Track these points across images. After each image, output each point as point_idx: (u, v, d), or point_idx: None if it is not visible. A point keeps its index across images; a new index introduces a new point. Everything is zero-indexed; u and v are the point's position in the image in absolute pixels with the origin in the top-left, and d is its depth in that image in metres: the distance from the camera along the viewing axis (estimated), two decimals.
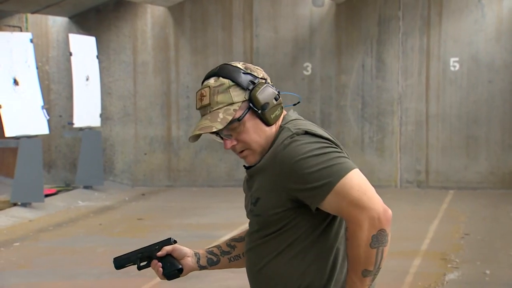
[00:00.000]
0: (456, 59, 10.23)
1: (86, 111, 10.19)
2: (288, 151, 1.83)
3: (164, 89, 11.13)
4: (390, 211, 1.80)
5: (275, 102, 1.90)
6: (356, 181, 1.79)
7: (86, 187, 10.36)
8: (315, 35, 10.52)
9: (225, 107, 1.87)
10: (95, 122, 10.48)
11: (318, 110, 10.64)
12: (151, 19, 11.11)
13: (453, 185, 10.28)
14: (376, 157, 10.49)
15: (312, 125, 1.93)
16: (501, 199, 9.50)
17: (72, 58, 9.95)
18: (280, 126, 1.92)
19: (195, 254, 2.15)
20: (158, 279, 5.89)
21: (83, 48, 10.25)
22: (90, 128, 10.40)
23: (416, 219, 8.17)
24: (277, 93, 1.91)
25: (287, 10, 10.71)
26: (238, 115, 1.88)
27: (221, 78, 1.89)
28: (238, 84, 1.88)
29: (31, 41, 9.18)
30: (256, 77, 1.90)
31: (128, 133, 11.27)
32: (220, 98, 1.88)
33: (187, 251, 2.15)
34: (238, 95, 1.88)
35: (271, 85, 1.94)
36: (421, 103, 10.37)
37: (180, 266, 2.14)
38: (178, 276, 2.16)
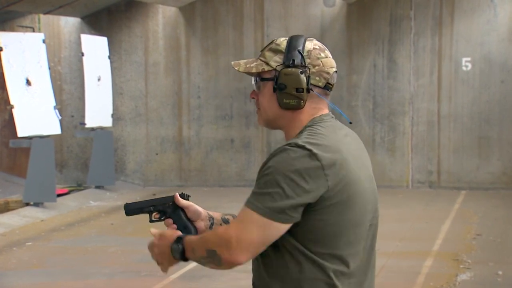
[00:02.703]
0: (468, 59, 10.18)
1: (98, 111, 10.23)
2: (274, 159, 1.82)
3: (175, 89, 11.16)
4: (237, 261, 1.78)
5: (295, 92, 1.89)
6: (251, 221, 1.78)
7: (97, 187, 10.40)
8: (326, 35, 10.51)
9: (262, 62, 1.93)
10: (107, 122, 10.52)
11: (329, 110, 10.61)
12: (162, 20, 11.13)
13: (465, 186, 10.24)
14: (387, 158, 10.47)
15: (325, 139, 1.85)
16: None
17: (84, 58, 9.99)
18: (306, 126, 1.90)
19: (209, 218, 2.11)
20: (170, 279, 5.92)
21: (95, 49, 10.29)
22: (101, 128, 10.43)
23: (428, 219, 8.14)
24: (305, 87, 1.88)
25: (298, 10, 10.70)
26: (262, 75, 1.92)
27: (284, 42, 1.93)
28: (285, 55, 1.90)
29: (44, 41, 9.23)
30: (304, 65, 1.89)
31: (139, 133, 11.30)
32: (267, 53, 1.93)
33: (201, 212, 2.10)
34: (276, 62, 1.91)
35: (328, 87, 1.92)
36: (433, 103, 10.34)
37: (194, 230, 2.06)
38: None
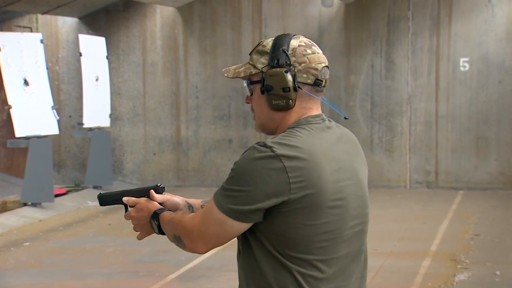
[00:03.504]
0: (466, 59, 10.19)
1: (96, 111, 10.23)
2: (242, 155, 1.82)
3: (173, 89, 11.16)
4: (198, 251, 1.86)
5: (282, 92, 1.85)
6: (212, 215, 1.80)
7: (95, 187, 10.40)
8: (324, 35, 10.51)
9: (250, 65, 1.91)
10: (105, 122, 10.52)
11: (327, 110, 10.63)
12: (160, 20, 11.13)
13: (463, 186, 10.25)
14: (385, 158, 10.47)
15: (299, 140, 1.80)
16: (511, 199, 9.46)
17: (82, 58, 9.99)
18: (289, 127, 1.86)
19: (189, 207, 2.11)
20: (167, 279, 5.92)
21: (93, 49, 10.28)
22: (99, 128, 10.43)
23: (426, 219, 8.15)
24: (291, 86, 1.85)
25: (296, 10, 10.70)
26: (251, 78, 1.91)
27: (270, 43, 1.90)
28: (270, 56, 1.88)
29: (41, 41, 9.22)
30: (289, 63, 1.85)
31: (137, 133, 11.30)
32: (254, 56, 1.92)
33: (179, 203, 2.10)
34: (262, 64, 1.89)
35: (318, 83, 1.88)
36: (431, 103, 10.34)
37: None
38: None
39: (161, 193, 2.09)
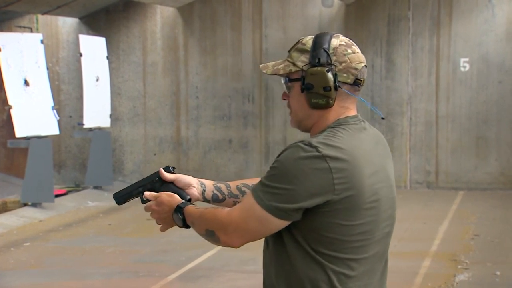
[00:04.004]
0: (466, 59, 10.19)
1: (96, 111, 10.23)
2: (285, 153, 1.83)
3: (174, 89, 11.16)
4: (232, 245, 1.87)
5: (322, 91, 1.87)
6: (253, 211, 1.81)
7: (95, 188, 10.40)
8: None
9: (289, 63, 1.91)
10: (105, 122, 10.52)
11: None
12: (160, 20, 11.13)
13: (463, 186, 10.25)
14: None
15: (341, 142, 1.82)
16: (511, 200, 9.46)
17: (82, 58, 9.99)
18: (328, 126, 1.88)
19: (201, 184, 2.14)
20: (167, 279, 5.92)
21: (93, 49, 10.28)
22: (99, 129, 10.43)
23: (426, 220, 8.14)
24: (332, 85, 1.86)
25: (297, 11, 10.70)
26: (290, 76, 1.91)
27: (309, 41, 1.91)
28: (311, 55, 1.89)
29: (42, 42, 9.22)
30: (330, 62, 1.87)
31: (137, 134, 11.30)
32: (294, 53, 1.92)
33: (191, 180, 2.13)
34: (302, 62, 1.90)
35: (358, 83, 1.89)
36: (431, 103, 10.34)
37: (189, 197, 2.07)
38: None
39: (172, 172, 2.11)
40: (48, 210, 8.91)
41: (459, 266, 6.13)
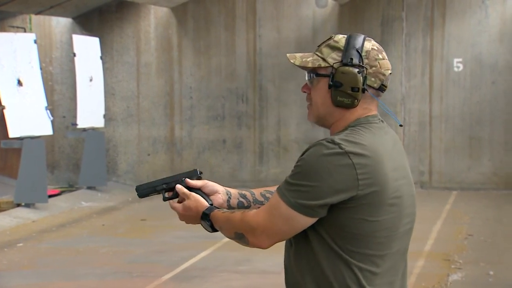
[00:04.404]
0: (460, 60, 10.22)
1: (90, 111, 10.21)
2: (309, 151, 1.85)
3: (167, 89, 11.15)
4: (262, 247, 1.89)
5: (350, 90, 1.89)
6: (279, 210, 1.83)
7: (89, 188, 10.38)
8: (318, 35, 10.52)
9: (319, 57, 1.93)
10: (99, 122, 10.50)
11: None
12: (154, 20, 11.12)
13: (456, 186, 10.28)
14: None
15: (363, 139, 1.85)
16: (504, 200, 9.49)
17: (76, 59, 9.97)
18: (349, 125, 1.90)
19: (227, 192, 2.17)
20: (161, 279, 5.92)
21: (87, 49, 10.27)
22: (93, 129, 10.41)
23: (419, 220, 8.09)
24: (360, 87, 1.89)
25: (290, 11, 10.71)
26: (317, 70, 1.92)
27: (342, 39, 1.93)
28: (343, 53, 1.91)
29: (35, 42, 9.20)
30: (362, 64, 1.90)
31: (131, 134, 11.28)
32: (324, 49, 1.94)
33: (218, 187, 2.16)
34: (333, 59, 1.91)
35: (382, 88, 1.95)
36: (424, 104, 10.37)
37: (211, 203, 2.10)
38: None
39: (199, 178, 2.15)
40: (41, 210, 8.89)
41: (452, 266, 6.15)
